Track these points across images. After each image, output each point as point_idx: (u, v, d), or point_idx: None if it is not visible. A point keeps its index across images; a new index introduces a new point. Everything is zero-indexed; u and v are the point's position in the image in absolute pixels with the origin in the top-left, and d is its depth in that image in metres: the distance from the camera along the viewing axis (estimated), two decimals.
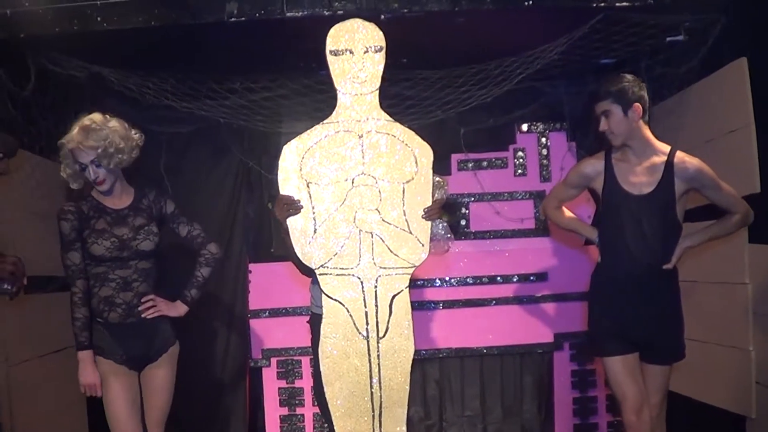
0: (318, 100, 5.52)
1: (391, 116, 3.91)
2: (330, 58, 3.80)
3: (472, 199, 6.33)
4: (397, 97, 5.41)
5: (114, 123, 3.96)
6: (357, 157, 3.77)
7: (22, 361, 4.74)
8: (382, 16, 4.61)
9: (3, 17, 4.52)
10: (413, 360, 3.80)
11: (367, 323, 3.77)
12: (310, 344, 4.34)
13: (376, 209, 3.76)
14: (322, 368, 3.81)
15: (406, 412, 3.79)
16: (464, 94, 5.40)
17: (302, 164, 3.78)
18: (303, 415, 6.22)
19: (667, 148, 4.16)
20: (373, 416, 3.79)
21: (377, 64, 3.78)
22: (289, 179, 3.79)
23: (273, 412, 6.28)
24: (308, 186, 3.77)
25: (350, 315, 3.77)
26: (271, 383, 6.29)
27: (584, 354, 6.14)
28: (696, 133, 5.01)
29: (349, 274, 3.77)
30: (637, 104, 4.07)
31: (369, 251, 3.76)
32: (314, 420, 6.22)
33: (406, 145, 3.79)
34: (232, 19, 4.59)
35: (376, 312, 3.76)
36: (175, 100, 5.34)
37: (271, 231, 6.29)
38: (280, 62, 5.38)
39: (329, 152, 3.78)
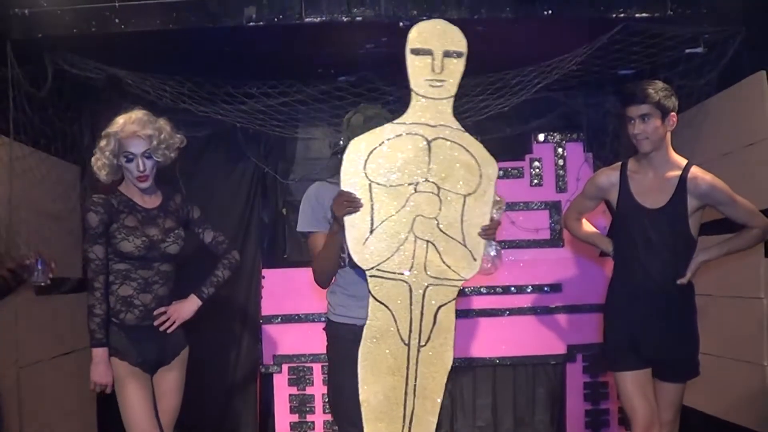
0: (336, 106, 5.52)
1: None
2: (409, 57, 3.59)
3: None
4: None
5: (162, 120, 3.99)
6: (423, 162, 3.64)
7: (32, 362, 4.74)
8: (401, 24, 4.61)
9: (21, 18, 4.54)
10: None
11: (411, 330, 3.67)
12: (322, 351, 4.28)
13: (435, 218, 3.64)
14: (360, 368, 3.68)
15: (436, 421, 3.73)
16: (481, 103, 5.38)
17: (367, 162, 3.61)
18: (313, 423, 6.20)
19: (683, 162, 4.09)
20: (404, 423, 3.73)
21: (456, 69, 3.65)
22: (351, 176, 3.59)
23: (283, 418, 6.25)
24: (370, 186, 3.60)
25: (395, 320, 3.66)
26: (282, 390, 6.26)
27: (598, 367, 6.11)
28: (714, 145, 4.99)
29: (399, 279, 3.66)
30: (674, 114, 4.00)
31: (422, 259, 3.64)
32: (324, 427, 6.20)
33: (473, 157, 3.70)
34: (251, 24, 4.60)
35: (421, 320, 3.66)
36: (192, 104, 5.33)
37: (285, 237, 6.31)
38: (298, 67, 5.38)
39: (395, 154, 3.62)
